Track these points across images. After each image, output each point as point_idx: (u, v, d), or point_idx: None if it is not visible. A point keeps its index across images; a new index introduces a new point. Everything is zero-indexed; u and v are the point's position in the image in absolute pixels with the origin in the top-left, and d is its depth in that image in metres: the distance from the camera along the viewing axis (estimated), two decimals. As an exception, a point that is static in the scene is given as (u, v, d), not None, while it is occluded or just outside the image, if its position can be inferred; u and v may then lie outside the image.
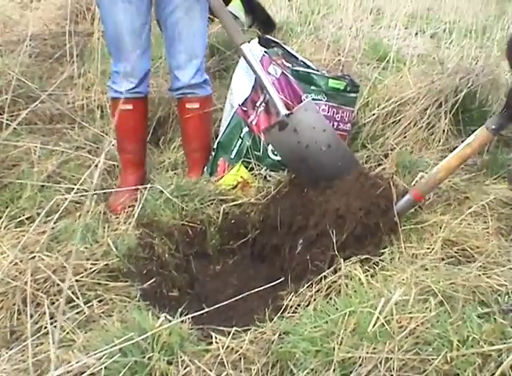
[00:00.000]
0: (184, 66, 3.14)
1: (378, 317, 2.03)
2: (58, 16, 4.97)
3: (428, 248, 2.70)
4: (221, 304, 2.06)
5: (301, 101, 3.30)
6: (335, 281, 2.47)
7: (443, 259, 2.62)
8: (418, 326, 2.07)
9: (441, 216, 2.88)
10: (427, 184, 2.83)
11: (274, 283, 2.37)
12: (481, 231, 2.83)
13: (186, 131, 3.36)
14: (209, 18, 4.70)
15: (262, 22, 5.17)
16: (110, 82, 3.18)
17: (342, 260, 2.56)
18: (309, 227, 2.75)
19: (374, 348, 1.96)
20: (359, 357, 1.94)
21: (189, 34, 3.07)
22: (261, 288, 2.20)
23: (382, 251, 2.69)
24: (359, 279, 2.45)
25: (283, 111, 2.94)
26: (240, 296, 2.15)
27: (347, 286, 2.40)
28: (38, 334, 2.12)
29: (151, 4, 3.06)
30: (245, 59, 2.94)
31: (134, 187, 3.12)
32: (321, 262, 2.63)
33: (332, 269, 2.55)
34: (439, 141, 3.79)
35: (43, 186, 3.04)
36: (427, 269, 2.49)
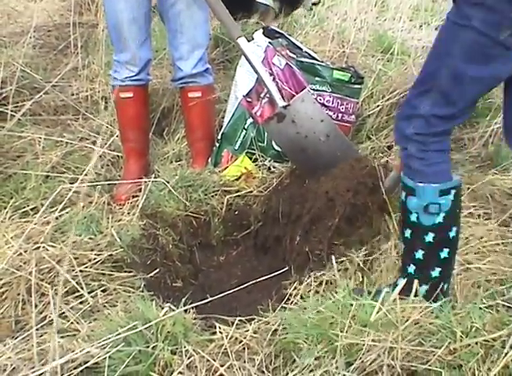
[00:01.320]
0: (186, 57, 3.15)
1: (380, 307, 2.03)
2: (62, 7, 4.98)
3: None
4: (225, 293, 2.07)
5: (305, 92, 3.30)
6: (335, 273, 2.47)
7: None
8: (421, 316, 2.07)
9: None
10: None
11: (277, 273, 2.38)
12: (482, 221, 2.83)
13: (189, 120, 3.37)
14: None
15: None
16: (112, 71, 3.21)
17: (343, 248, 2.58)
18: (304, 215, 2.75)
19: (378, 337, 1.97)
20: (363, 345, 1.95)
21: (190, 26, 3.08)
22: (265, 278, 2.21)
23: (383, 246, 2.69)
24: (361, 269, 2.47)
25: (281, 103, 2.94)
26: (244, 286, 2.16)
27: (350, 278, 2.41)
28: (43, 324, 2.13)
29: None
30: (242, 52, 2.94)
31: (138, 179, 3.13)
32: (320, 251, 2.63)
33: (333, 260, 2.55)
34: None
35: (47, 176, 3.05)
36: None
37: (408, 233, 2.25)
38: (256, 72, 2.95)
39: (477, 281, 2.48)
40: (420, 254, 2.22)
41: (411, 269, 2.27)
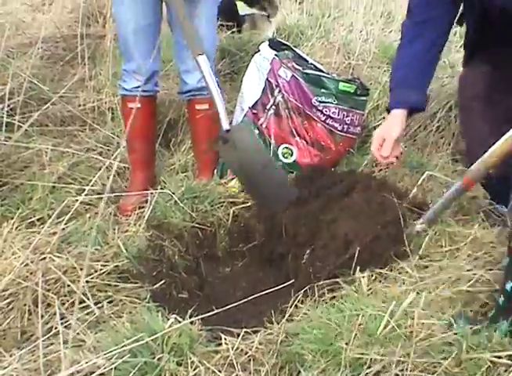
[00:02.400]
0: (193, 70, 3.15)
1: (389, 320, 2.03)
2: (70, 18, 4.99)
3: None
4: (231, 305, 2.07)
5: (312, 104, 3.32)
6: (342, 287, 2.46)
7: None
8: (431, 333, 2.07)
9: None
10: (479, 170, 2.71)
11: (283, 286, 2.37)
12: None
13: (196, 132, 3.37)
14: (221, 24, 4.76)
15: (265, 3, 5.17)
16: (121, 81, 3.24)
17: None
18: (317, 247, 2.71)
19: (385, 350, 1.97)
20: (370, 359, 1.95)
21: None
22: (271, 290, 2.20)
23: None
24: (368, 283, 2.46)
25: (225, 126, 2.96)
26: (250, 298, 2.16)
27: (356, 292, 2.40)
28: (49, 335, 2.13)
29: (161, 5, 3.10)
30: (200, 70, 2.92)
31: (144, 190, 3.11)
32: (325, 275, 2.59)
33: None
34: (449, 144, 3.79)
35: (54, 187, 3.05)
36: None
37: None
38: (210, 92, 2.94)
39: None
40: None
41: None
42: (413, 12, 2.76)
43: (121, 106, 3.41)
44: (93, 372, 1.82)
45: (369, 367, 1.95)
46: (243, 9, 5.20)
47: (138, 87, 3.11)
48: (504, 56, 2.70)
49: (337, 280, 2.49)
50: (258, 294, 2.17)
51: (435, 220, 2.78)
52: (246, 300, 2.19)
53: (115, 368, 1.82)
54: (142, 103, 3.17)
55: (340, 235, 2.65)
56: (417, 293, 2.26)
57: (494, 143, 2.44)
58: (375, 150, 2.78)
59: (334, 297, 2.39)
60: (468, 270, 2.51)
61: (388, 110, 2.83)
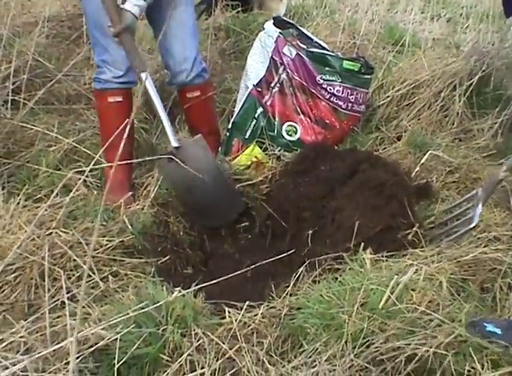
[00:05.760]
0: (179, 65, 3.10)
1: (389, 296, 2.05)
2: (75, -3, 4.98)
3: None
4: (235, 274, 2.10)
5: (316, 82, 3.33)
6: (345, 262, 2.48)
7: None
8: (430, 307, 2.10)
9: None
10: None
11: (285, 255, 2.41)
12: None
13: (191, 119, 3.35)
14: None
15: None
16: (96, 73, 3.06)
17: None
18: (323, 235, 2.72)
19: (385, 324, 2.00)
20: (371, 331, 1.98)
21: (178, 35, 3.04)
22: (274, 259, 2.24)
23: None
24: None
25: (174, 144, 2.87)
26: (253, 266, 2.19)
27: (361, 268, 2.41)
28: (55, 308, 2.16)
29: None
30: (144, 86, 2.79)
31: (124, 192, 2.97)
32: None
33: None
34: (453, 123, 3.79)
35: (60, 164, 3.07)
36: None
37: None
38: (155, 110, 2.85)
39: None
40: None
41: None
42: None
43: (98, 101, 3.16)
44: (98, 342, 1.85)
45: (370, 341, 1.98)
46: None
47: (120, 77, 2.97)
48: None
49: (341, 254, 2.49)
50: (262, 263, 2.21)
51: None
52: (249, 269, 2.23)
53: (120, 339, 1.85)
54: (126, 96, 3.04)
55: (345, 226, 2.65)
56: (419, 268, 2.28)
57: None
58: None
59: (339, 269, 2.41)
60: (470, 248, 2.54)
61: None
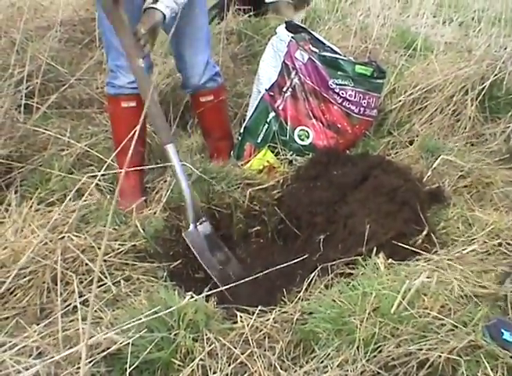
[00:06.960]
0: (191, 69, 3.12)
1: (401, 301, 2.05)
2: (87, 1, 5.00)
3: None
4: (247, 279, 2.09)
5: (328, 86, 3.33)
6: (357, 267, 2.47)
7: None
8: (442, 312, 2.09)
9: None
10: None
11: (297, 260, 2.40)
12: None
13: (205, 123, 3.37)
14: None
15: None
16: (109, 78, 3.02)
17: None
18: (335, 240, 2.72)
19: (397, 329, 1.99)
20: (383, 337, 1.97)
21: (191, 39, 3.05)
22: (286, 265, 2.23)
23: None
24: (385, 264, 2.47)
25: (191, 223, 2.77)
26: (265, 272, 2.19)
27: (373, 272, 2.40)
28: (68, 312, 2.16)
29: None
30: (169, 159, 2.69)
31: (138, 196, 3.01)
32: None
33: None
34: (465, 128, 3.77)
35: (72, 168, 3.09)
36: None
37: None
38: (180, 185, 2.72)
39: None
40: None
41: None
42: None
43: (111, 106, 3.11)
44: (110, 347, 1.85)
45: (382, 346, 1.98)
46: None
47: (134, 82, 2.85)
48: None
49: (353, 258, 2.49)
50: (274, 269, 2.20)
51: None
52: (260, 274, 2.22)
53: (132, 344, 1.85)
54: (139, 102, 2.95)
55: (357, 232, 2.64)
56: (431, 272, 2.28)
57: None
58: None
59: (351, 274, 2.41)
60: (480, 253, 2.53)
61: None
